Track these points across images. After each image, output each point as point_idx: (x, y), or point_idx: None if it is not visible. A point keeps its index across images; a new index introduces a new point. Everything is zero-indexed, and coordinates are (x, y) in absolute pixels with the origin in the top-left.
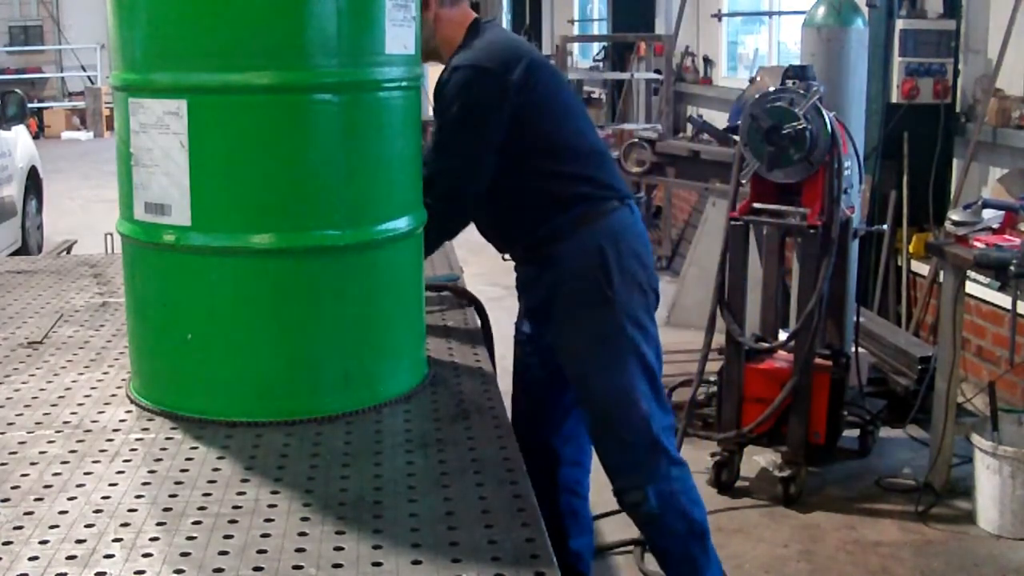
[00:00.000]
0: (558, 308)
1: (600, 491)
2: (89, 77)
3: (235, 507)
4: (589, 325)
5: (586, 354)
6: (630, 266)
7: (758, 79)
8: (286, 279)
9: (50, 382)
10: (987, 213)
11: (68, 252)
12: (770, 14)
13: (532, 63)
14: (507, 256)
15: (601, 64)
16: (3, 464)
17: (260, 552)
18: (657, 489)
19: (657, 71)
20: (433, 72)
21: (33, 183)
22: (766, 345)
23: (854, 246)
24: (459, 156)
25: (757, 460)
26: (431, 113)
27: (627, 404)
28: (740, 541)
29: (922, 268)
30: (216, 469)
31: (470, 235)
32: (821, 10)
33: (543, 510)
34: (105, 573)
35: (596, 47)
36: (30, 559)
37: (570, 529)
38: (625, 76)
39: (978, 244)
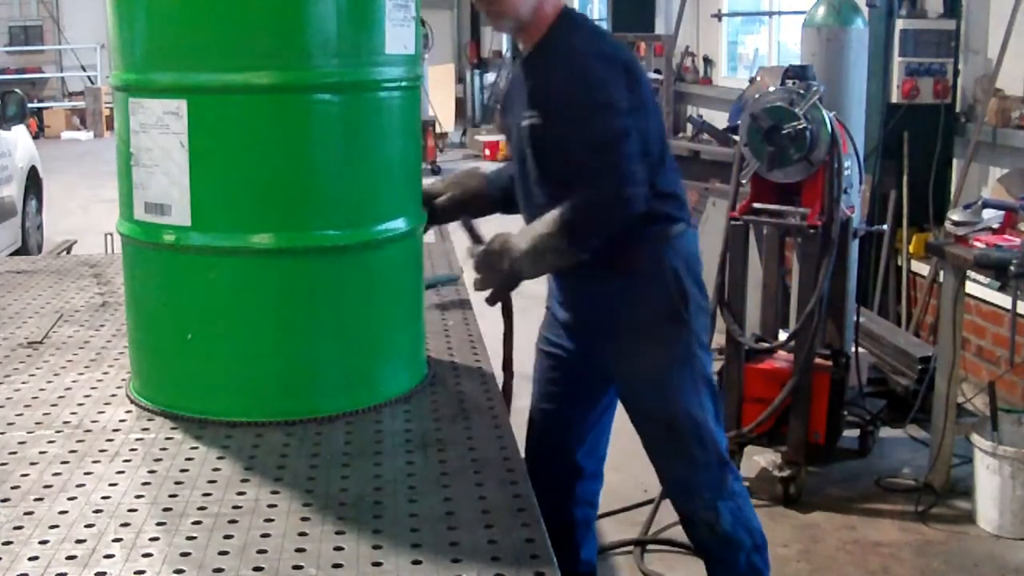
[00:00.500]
0: (630, 326)
1: None
2: (89, 77)
3: (235, 507)
4: (665, 346)
5: (660, 375)
6: (696, 288)
7: (758, 79)
8: (286, 279)
9: (50, 382)
10: (987, 213)
11: (68, 252)
12: (770, 14)
13: (637, 61)
14: None
15: None
16: (3, 464)
17: (260, 552)
18: (727, 505)
19: (657, 71)
20: (434, 74)
21: (33, 183)
22: (766, 345)
23: (854, 246)
24: (615, 162)
25: (757, 460)
26: (431, 113)
27: (699, 424)
28: None
29: (922, 268)
30: (216, 469)
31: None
32: (821, 10)
33: (559, 521)
34: (105, 573)
35: None
36: (30, 559)
37: (583, 539)
38: None
39: (978, 244)
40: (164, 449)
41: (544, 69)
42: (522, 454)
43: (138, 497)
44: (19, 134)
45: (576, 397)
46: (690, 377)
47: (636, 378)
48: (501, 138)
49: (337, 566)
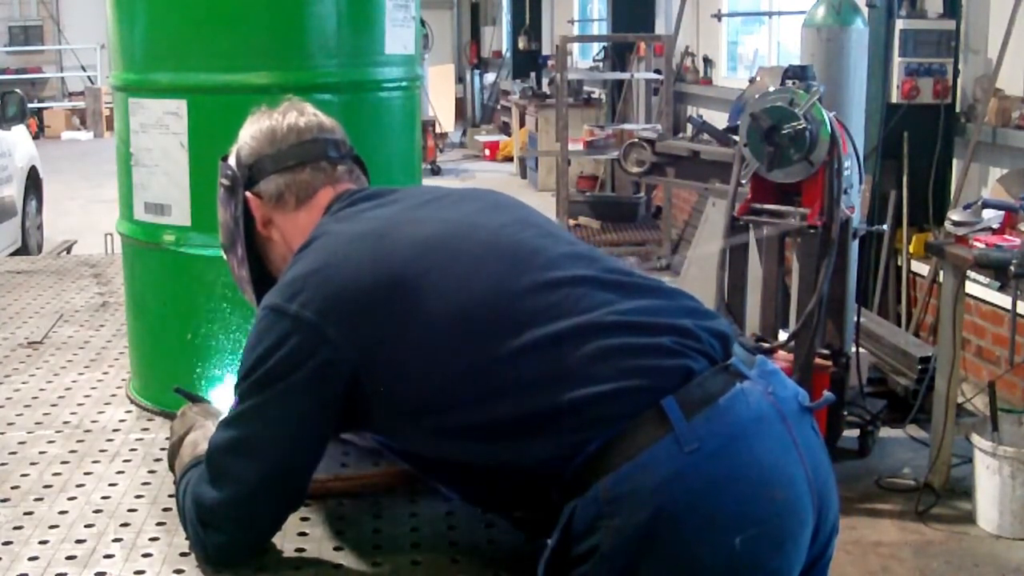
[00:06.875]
0: None
1: None
2: (89, 77)
3: None
4: None
5: None
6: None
7: (758, 79)
8: None
9: (50, 382)
10: (987, 213)
11: (68, 252)
12: (770, 14)
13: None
14: None
15: (601, 64)
16: (3, 464)
17: (259, 553)
18: None
19: (657, 71)
20: (434, 74)
21: (33, 183)
22: (766, 345)
23: (854, 246)
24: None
25: None
26: (431, 113)
27: None
28: None
29: (922, 268)
30: None
31: None
32: (821, 10)
33: None
34: (105, 573)
35: (596, 47)
36: (30, 559)
37: None
38: (625, 76)
39: (978, 244)
40: (164, 449)
41: None
42: None
43: (138, 497)
44: (19, 134)
45: None
46: None
47: None
48: (501, 138)
49: (337, 566)
